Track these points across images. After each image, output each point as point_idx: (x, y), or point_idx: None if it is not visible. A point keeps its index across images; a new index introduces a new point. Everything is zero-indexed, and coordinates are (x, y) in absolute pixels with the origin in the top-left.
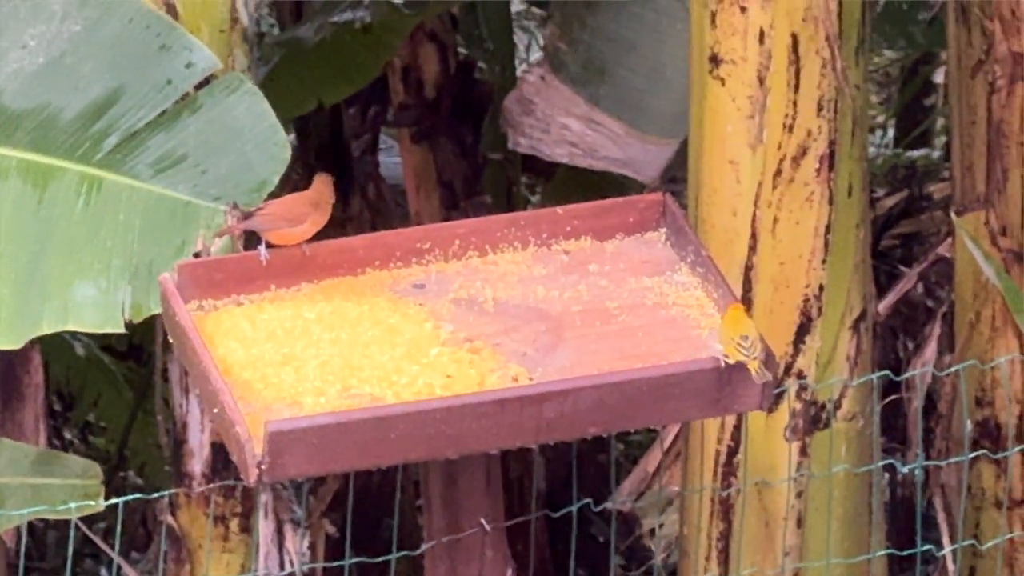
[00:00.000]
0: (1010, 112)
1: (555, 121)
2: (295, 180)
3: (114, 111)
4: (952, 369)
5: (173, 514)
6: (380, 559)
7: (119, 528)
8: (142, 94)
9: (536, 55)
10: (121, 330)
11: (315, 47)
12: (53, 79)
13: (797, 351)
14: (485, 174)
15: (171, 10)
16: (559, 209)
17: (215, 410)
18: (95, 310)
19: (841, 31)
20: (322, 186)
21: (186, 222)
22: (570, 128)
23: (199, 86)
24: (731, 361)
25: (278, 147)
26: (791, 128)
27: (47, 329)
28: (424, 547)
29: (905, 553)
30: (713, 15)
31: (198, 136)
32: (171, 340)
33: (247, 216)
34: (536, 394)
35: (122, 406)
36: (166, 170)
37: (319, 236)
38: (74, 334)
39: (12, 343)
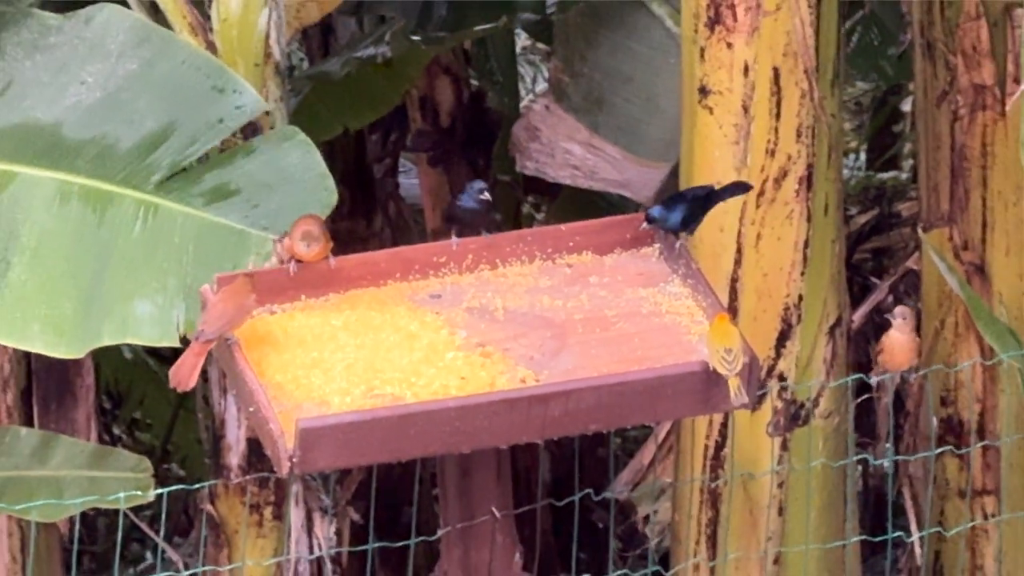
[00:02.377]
0: (971, 138)
1: (559, 146)
2: None
3: (168, 144)
4: (919, 372)
5: (212, 503)
6: (400, 544)
7: (163, 515)
8: (194, 130)
9: (541, 86)
10: (176, 344)
11: (341, 79)
12: (109, 112)
13: (779, 355)
14: (495, 194)
15: (211, 47)
16: (562, 226)
17: (251, 408)
18: (152, 326)
19: (818, 65)
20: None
21: (238, 248)
22: (572, 153)
23: (253, 131)
24: (713, 369)
25: (327, 192)
26: (773, 153)
27: (107, 341)
28: (440, 533)
29: (877, 539)
30: (702, 50)
31: (251, 175)
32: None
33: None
34: (542, 394)
35: (166, 405)
36: (218, 201)
37: (345, 251)
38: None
39: (75, 353)
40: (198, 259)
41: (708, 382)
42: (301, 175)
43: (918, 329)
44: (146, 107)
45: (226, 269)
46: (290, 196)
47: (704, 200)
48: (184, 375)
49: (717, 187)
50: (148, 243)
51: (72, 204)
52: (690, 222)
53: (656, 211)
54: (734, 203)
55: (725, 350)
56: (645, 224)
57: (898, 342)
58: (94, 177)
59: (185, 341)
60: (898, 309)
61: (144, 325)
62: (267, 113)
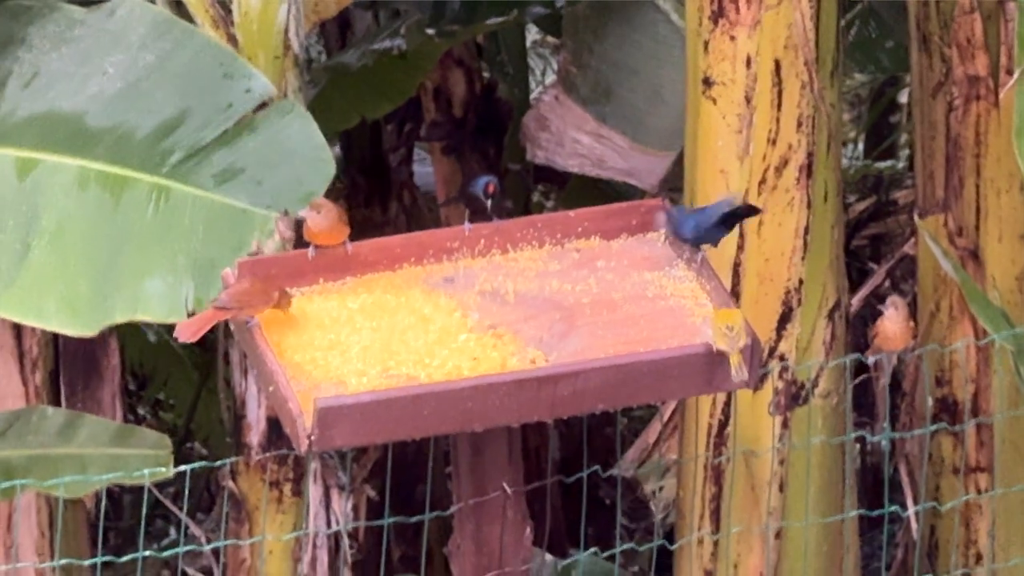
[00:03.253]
0: (966, 128)
1: (567, 136)
2: (339, 188)
3: (182, 130)
4: (915, 353)
5: (234, 480)
6: (415, 519)
7: (186, 492)
8: (206, 115)
9: (550, 78)
10: (184, 319)
11: (358, 71)
12: (129, 101)
13: (780, 337)
14: (506, 182)
15: (232, 40)
16: (571, 212)
17: (270, 388)
18: (162, 302)
19: (818, 57)
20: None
21: (243, 227)
22: (581, 142)
23: (256, 109)
24: (717, 347)
25: (325, 163)
26: (774, 142)
27: (120, 318)
28: (453, 509)
29: (874, 514)
30: (706, 43)
31: (255, 153)
32: (232, 327)
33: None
34: (551, 375)
35: (188, 385)
36: (226, 182)
37: (361, 237)
38: (147, 323)
39: (88, 330)
40: (207, 239)
41: (711, 363)
42: (301, 149)
43: (914, 312)
44: (163, 96)
45: (232, 247)
46: (291, 171)
47: (725, 216)
48: (190, 331)
49: (736, 204)
50: (161, 225)
51: (91, 189)
52: (712, 234)
53: (678, 214)
54: (737, 190)
55: (727, 327)
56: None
57: (891, 330)
58: (112, 163)
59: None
60: (889, 299)
61: (154, 302)
62: (283, 98)
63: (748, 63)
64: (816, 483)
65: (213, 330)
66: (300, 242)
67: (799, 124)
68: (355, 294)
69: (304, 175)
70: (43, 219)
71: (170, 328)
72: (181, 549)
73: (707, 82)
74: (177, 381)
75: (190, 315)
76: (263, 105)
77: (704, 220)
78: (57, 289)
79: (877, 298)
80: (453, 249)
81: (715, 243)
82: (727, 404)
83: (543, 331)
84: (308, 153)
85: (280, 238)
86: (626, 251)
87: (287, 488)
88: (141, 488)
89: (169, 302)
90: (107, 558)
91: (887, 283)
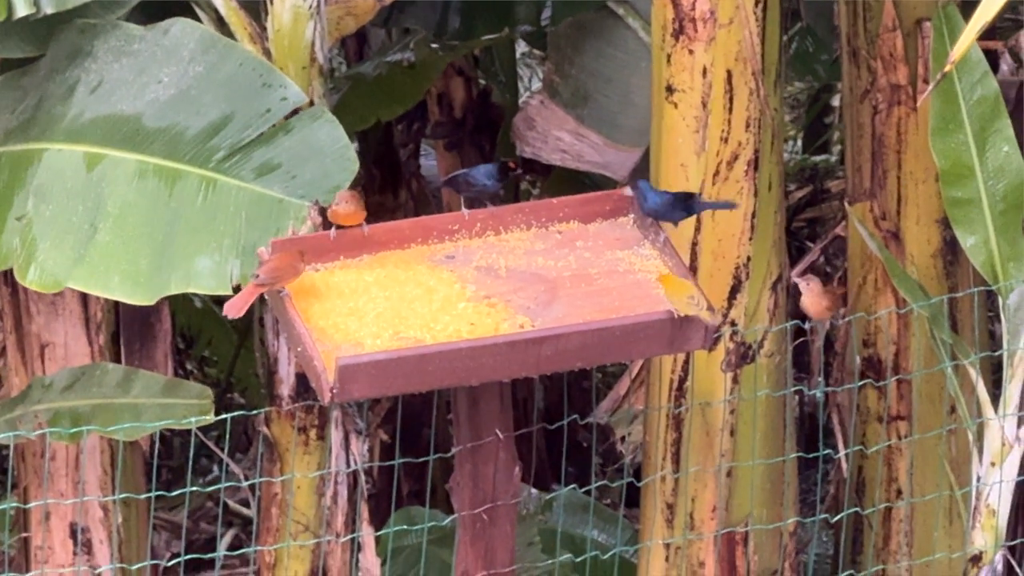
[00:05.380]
0: (888, 128)
1: (551, 134)
2: (357, 178)
3: (226, 131)
4: (846, 319)
5: (268, 426)
6: (421, 459)
7: (227, 436)
8: (248, 118)
9: (536, 85)
10: (229, 292)
11: (373, 79)
12: (180, 106)
13: (731, 305)
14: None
15: (266, 53)
16: (554, 200)
17: (299, 348)
18: (210, 278)
19: (764, 67)
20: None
21: (280, 214)
22: (563, 139)
23: (291, 114)
24: (684, 314)
25: (350, 161)
26: (726, 140)
27: (174, 290)
28: (454, 451)
29: (810, 456)
30: (668, 56)
31: (289, 151)
32: (266, 297)
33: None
34: (537, 337)
35: (229, 345)
36: (264, 175)
37: (375, 220)
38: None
39: (148, 300)
40: (249, 223)
41: (673, 327)
42: (329, 148)
43: (845, 284)
44: (210, 101)
45: (271, 232)
46: (320, 167)
47: (686, 200)
48: (236, 307)
49: (696, 195)
50: (208, 211)
51: (148, 180)
52: (668, 213)
53: (645, 188)
54: (695, 181)
55: (688, 296)
56: (628, 191)
57: (808, 299)
58: (166, 158)
59: (236, 287)
60: (799, 279)
61: (204, 277)
62: (312, 104)
63: (704, 73)
64: (761, 429)
65: None
66: (326, 225)
67: (747, 125)
68: (370, 269)
69: (331, 170)
70: (108, 205)
71: (214, 296)
72: (223, 485)
73: (669, 89)
74: (219, 341)
75: (235, 289)
76: (297, 111)
77: (663, 198)
78: (120, 265)
79: (813, 272)
80: (454, 231)
81: (675, 223)
82: (686, 362)
83: (530, 300)
84: (335, 152)
85: (312, 224)
86: (601, 233)
87: (312, 433)
88: (188, 432)
89: (217, 277)
90: (160, 492)
91: (821, 259)
